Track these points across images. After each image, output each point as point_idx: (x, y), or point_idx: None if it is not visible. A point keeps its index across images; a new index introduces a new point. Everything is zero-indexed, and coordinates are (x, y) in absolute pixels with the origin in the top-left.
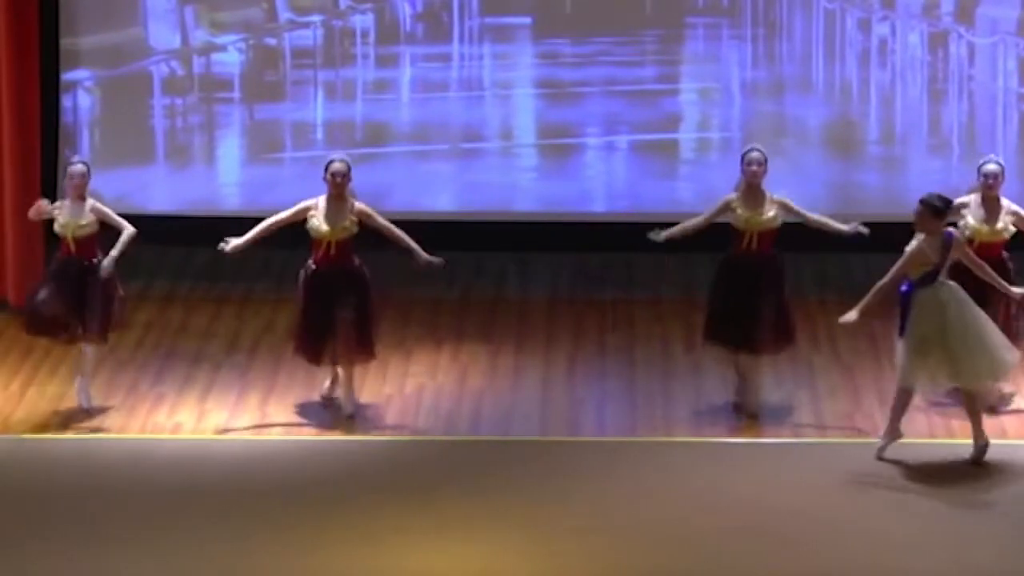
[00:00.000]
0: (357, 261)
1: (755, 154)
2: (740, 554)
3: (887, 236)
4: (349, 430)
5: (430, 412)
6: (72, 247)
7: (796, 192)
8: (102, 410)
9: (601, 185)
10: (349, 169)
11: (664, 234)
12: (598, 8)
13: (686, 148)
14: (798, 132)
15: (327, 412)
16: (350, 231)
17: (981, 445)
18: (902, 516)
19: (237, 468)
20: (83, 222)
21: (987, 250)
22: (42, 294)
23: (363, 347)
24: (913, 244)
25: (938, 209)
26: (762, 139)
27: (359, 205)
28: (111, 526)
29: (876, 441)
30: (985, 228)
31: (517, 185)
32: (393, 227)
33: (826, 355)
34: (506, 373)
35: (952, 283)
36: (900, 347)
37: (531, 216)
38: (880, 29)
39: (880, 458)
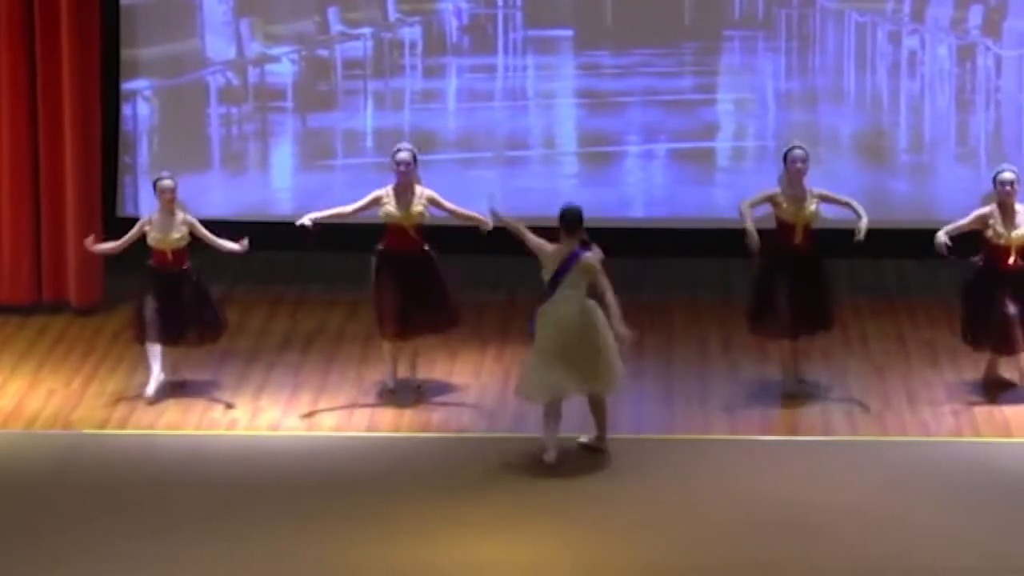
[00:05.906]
0: (426, 246)
1: (798, 151)
2: (778, 549)
3: (916, 241)
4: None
5: (474, 410)
6: (169, 257)
7: None
8: (161, 406)
9: (640, 192)
10: (415, 157)
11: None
12: (638, 21)
13: (722, 156)
14: (831, 140)
15: (394, 397)
16: (422, 215)
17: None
18: (932, 511)
19: (290, 463)
20: (177, 235)
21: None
22: (151, 305)
23: (448, 315)
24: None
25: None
26: None
27: (427, 191)
28: (169, 518)
29: (904, 439)
30: (1015, 234)
31: (559, 191)
32: (459, 208)
33: (859, 357)
34: None
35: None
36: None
37: None
38: (910, 42)
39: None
